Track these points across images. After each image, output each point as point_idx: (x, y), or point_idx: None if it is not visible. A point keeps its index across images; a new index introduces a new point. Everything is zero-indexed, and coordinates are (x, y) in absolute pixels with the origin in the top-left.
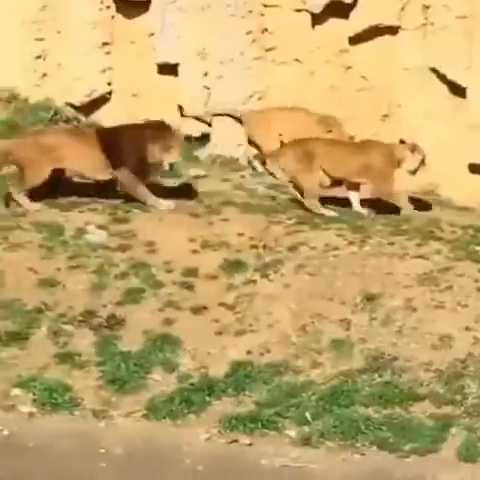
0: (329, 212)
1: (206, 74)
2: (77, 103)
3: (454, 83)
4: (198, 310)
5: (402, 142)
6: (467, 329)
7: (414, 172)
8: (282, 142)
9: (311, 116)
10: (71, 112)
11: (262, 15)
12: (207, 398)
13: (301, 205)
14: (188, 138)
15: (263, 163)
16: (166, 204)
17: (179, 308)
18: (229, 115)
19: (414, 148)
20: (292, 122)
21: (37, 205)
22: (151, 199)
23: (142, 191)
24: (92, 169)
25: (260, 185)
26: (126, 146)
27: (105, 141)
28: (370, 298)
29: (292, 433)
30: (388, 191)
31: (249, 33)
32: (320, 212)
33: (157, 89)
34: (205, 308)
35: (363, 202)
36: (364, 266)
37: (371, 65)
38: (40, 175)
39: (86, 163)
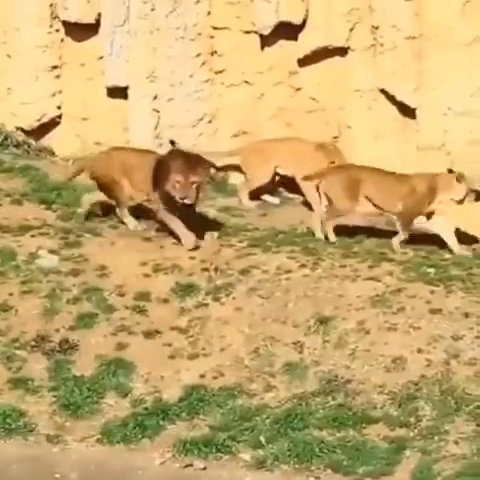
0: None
1: (156, 97)
2: (27, 127)
3: (403, 104)
4: (151, 334)
5: (450, 171)
6: (420, 351)
7: (461, 201)
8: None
9: (308, 144)
10: (21, 136)
11: (211, 37)
12: (161, 422)
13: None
14: None
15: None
16: (191, 241)
17: (132, 332)
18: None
19: (461, 177)
20: (289, 152)
21: (140, 225)
22: (181, 231)
23: (172, 219)
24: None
25: (211, 208)
26: (159, 174)
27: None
28: (323, 321)
29: (247, 457)
30: (410, 219)
31: (198, 55)
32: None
33: (107, 112)
34: (158, 332)
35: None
36: (316, 289)
37: (321, 86)
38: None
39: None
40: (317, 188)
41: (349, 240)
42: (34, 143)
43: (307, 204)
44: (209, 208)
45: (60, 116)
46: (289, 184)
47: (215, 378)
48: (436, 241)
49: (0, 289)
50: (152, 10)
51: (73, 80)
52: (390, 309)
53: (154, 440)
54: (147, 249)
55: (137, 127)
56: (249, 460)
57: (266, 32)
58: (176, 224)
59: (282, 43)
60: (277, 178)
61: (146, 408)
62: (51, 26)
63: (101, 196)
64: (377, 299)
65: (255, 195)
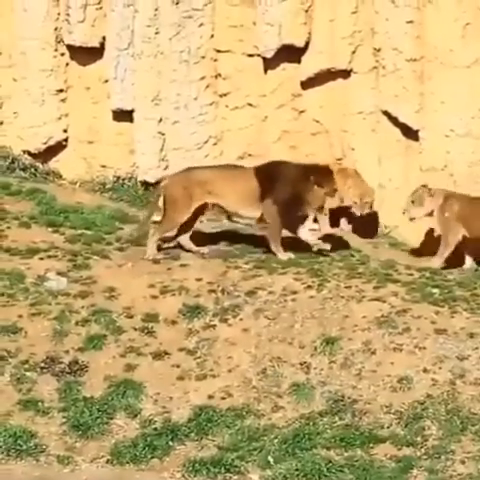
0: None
1: (161, 120)
2: (34, 151)
3: (406, 126)
4: (159, 355)
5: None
6: (425, 371)
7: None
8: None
9: None
10: (28, 160)
11: (215, 60)
12: (170, 443)
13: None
14: (144, 184)
15: None
16: (286, 255)
17: (140, 353)
18: None
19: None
20: None
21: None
22: (276, 244)
23: (276, 230)
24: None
25: (216, 229)
26: (281, 180)
27: (264, 174)
28: (329, 341)
29: (255, 477)
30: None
31: (202, 78)
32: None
33: (112, 135)
34: (166, 353)
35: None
36: (322, 309)
37: (324, 109)
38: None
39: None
40: None
41: (354, 261)
42: (41, 166)
43: None
44: (214, 230)
45: (66, 139)
46: None
47: (223, 399)
48: None
49: (9, 311)
50: (156, 34)
51: (79, 103)
52: (396, 329)
53: (164, 460)
54: (155, 271)
55: (143, 150)
56: None
57: (269, 55)
58: (278, 235)
59: (285, 66)
60: None
61: (155, 428)
62: (56, 50)
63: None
64: (383, 320)
65: None
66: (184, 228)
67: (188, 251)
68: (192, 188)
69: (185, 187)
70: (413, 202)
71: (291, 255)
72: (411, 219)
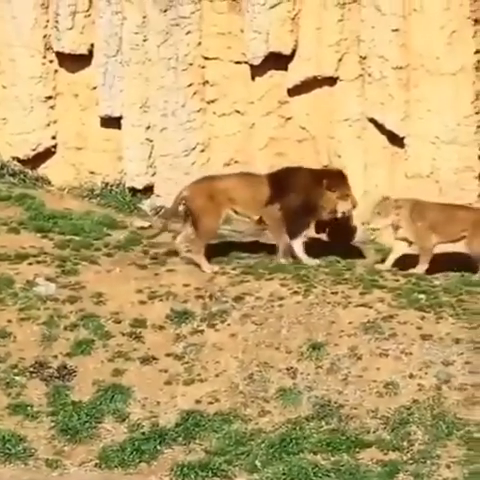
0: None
1: (149, 127)
2: (23, 157)
3: (392, 133)
4: (147, 360)
5: None
6: (411, 376)
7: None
8: None
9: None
10: (18, 166)
11: (203, 68)
12: (158, 447)
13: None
14: (132, 190)
15: None
16: (286, 260)
17: (128, 358)
18: None
19: None
20: None
21: (215, 267)
22: (283, 247)
23: (280, 234)
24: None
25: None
26: (292, 186)
27: (276, 180)
28: (315, 347)
29: None
30: None
31: (190, 85)
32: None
33: (101, 142)
34: (154, 358)
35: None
36: (309, 315)
37: (310, 116)
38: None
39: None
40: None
41: (340, 267)
42: (30, 172)
43: None
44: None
45: (55, 146)
46: None
47: (211, 403)
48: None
49: None
50: (144, 41)
51: (67, 110)
52: (382, 335)
53: (151, 464)
54: (142, 277)
55: (131, 156)
56: None
57: (256, 62)
58: (285, 240)
59: (272, 73)
60: None
61: (143, 433)
62: (45, 57)
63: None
64: (369, 325)
65: None
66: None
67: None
68: (217, 196)
69: (210, 195)
70: (379, 213)
71: (290, 260)
72: (374, 229)
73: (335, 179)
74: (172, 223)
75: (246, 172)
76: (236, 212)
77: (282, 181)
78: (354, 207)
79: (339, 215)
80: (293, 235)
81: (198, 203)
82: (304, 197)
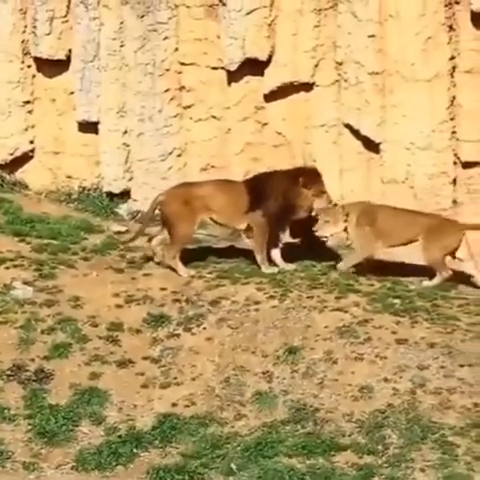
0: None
1: (126, 131)
2: (1, 161)
3: (367, 138)
4: (124, 363)
5: None
6: (386, 380)
7: None
8: None
9: None
10: None
11: (179, 73)
12: (134, 450)
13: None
14: (109, 194)
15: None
16: (270, 269)
17: (105, 362)
18: None
19: None
20: None
21: (191, 271)
22: (261, 256)
23: (263, 241)
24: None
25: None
26: (270, 191)
27: (253, 186)
28: (291, 351)
29: None
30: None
31: (167, 91)
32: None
33: (78, 147)
34: (130, 361)
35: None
36: (285, 319)
37: (286, 121)
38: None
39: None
40: None
41: (315, 271)
42: (8, 177)
43: None
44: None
45: (33, 150)
46: None
47: (187, 407)
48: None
49: None
50: (121, 46)
51: (45, 115)
52: (357, 339)
53: (128, 467)
54: (119, 281)
55: (108, 161)
56: None
57: (233, 68)
58: (263, 248)
59: (248, 79)
60: None
61: (120, 436)
62: (23, 62)
63: None
64: (344, 329)
65: None
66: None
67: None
68: (193, 202)
69: (186, 201)
70: (328, 221)
71: (275, 270)
72: (322, 237)
73: (310, 176)
74: (148, 227)
75: (224, 179)
76: (215, 221)
77: (260, 187)
78: (330, 204)
79: (314, 213)
80: (274, 240)
81: (173, 208)
82: (283, 199)
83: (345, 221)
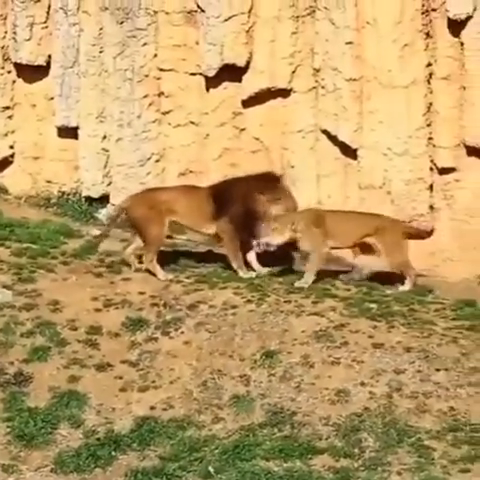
0: None
1: (105, 137)
2: None
3: (345, 144)
4: (102, 367)
5: None
6: (363, 384)
7: None
8: None
9: None
10: None
11: (158, 79)
12: (113, 452)
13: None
14: (88, 199)
15: None
16: (248, 274)
17: (84, 365)
18: None
19: None
20: None
21: (169, 275)
22: (237, 262)
23: (235, 248)
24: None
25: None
26: (232, 197)
27: (216, 194)
28: (269, 354)
29: None
30: None
31: (145, 97)
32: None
33: (57, 152)
34: (109, 365)
35: None
36: (262, 323)
37: (264, 127)
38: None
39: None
40: None
41: (293, 277)
42: None
43: None
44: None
45: (12, 155)
46: None
47: (165, 410)
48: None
49: None
50: (100, 52)
51: (25, 120)
52: (334, 343)
53: (106, 470)
54: (98, 285)
55: (87, 166)
56: None
57: (211, 74)
58: (237, 253)
59: (226, 85)
60: None
61: (98, 439)
62: (3, 68)
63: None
64: (321, 334)
65: None
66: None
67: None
68: (158, 206)
69: (151, 206)
70: (274, 230)
71: (252, 274)
72: (268, 246)
73: (267, 182)
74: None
75: (188, 185)
76: (179, 224)
77: (223, 193)
78: (289, 210)
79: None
80: (246, 245)
81: (139, 213)
82: (243, 205)
83: (292, 230)
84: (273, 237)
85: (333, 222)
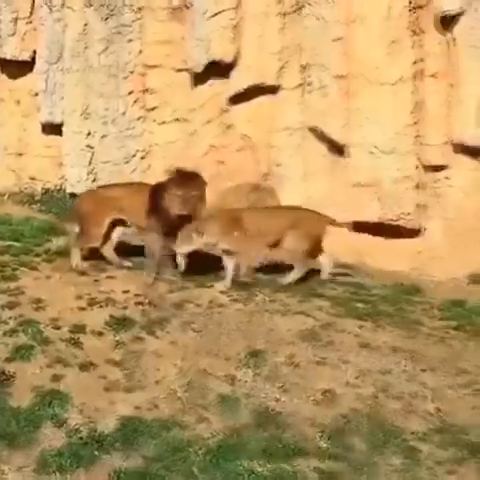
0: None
1: (89, 133)
2: None
3: (332, 141)
4: (86, 366)
5: None
6: (349, 384)
7: None
8: None
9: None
10: None
11: (143, 75)
12: (96, 452)
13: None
14: (73, 196)
15: None
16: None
17: (67, 364)
18: None
19: None
20: None
21: (85, 264)
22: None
23: (154, 252)
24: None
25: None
26: (152, 200)
27: (152, 193)
28: (254, 354)
29: None
30: None
31: (131, 93)
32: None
33: (42, 148)
34: (93, 364)
35: None
36: (248, 323)
37: (251, 124)
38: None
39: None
40: None
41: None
42: None
43: None
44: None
45: None
46: None
47: (149, 410)
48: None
49: None
50: (85, 48)
51: (9, 116)
52: (319, 343)
53: (89, 470)
54: (82, 283)
55: (71, 163)
56: None
57: (198, 70)
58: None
59: (213, 81)
60: None
61: (81, 438)
62: None
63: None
64: (307, 333)
65: None
66: (105, 240)
67: (110, 263)
68: (104, 203)
69: (96, 203)
70: (182, 242)
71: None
72: (181, 254)
73: (174, 181)
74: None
75: (138, 182)
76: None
77: (155, 193)
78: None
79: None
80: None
81: (84, 209)
82: (162, 206)
83: (201, 237)
84: (182, 248)
85: (250, 221)
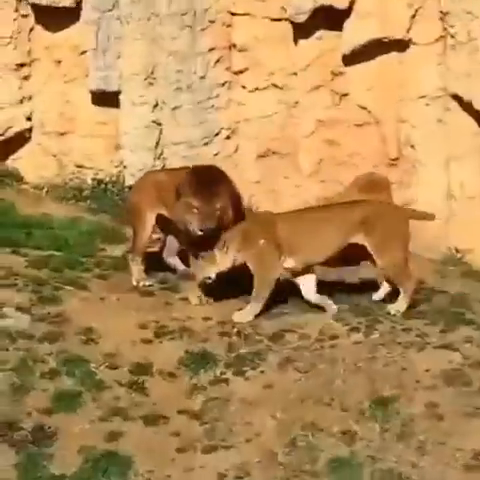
0: None
1: (156, 105)
2: None
3: None
4: (153, 420)
5: None
6: None
7: None
8: None
9: None
10: None
11: (228, 26)
12: None
13: None
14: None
15: None
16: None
17: (128, 417)
18: None
19: None
20: None
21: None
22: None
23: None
24: None
25: None
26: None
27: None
28: (381, 403)
29: None
30: None
31: (212, 50)
32: None
33: (91, 126)
34: (162, 417)
35: None
36: (372, 360)
37: (373, 92)
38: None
39: None
40: None
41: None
42: None
43: None
44: None
45: (30, 130)
46: None
47: (239, 478)
48: None
49: None
50: None
51: (46, 83)
52: (470, 387)
53: None
54: (148, 307)
55: (132, 145)
56: None
57: (301, 20)
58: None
59: (322, 34)
60: None
61: None
62: (17, 11)
63: None
64: (453, 374)
65: None
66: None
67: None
68: (150, 194)
69: (145, 191)
70: (207, 263)
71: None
72: (206, 278)
73: (184, 183)
74: None
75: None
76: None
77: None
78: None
79: (198, 233)
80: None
81: (131, 200)
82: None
83: (226, 253)
84: (208, 270)
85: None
